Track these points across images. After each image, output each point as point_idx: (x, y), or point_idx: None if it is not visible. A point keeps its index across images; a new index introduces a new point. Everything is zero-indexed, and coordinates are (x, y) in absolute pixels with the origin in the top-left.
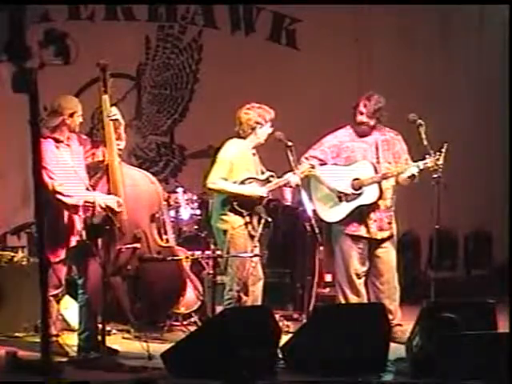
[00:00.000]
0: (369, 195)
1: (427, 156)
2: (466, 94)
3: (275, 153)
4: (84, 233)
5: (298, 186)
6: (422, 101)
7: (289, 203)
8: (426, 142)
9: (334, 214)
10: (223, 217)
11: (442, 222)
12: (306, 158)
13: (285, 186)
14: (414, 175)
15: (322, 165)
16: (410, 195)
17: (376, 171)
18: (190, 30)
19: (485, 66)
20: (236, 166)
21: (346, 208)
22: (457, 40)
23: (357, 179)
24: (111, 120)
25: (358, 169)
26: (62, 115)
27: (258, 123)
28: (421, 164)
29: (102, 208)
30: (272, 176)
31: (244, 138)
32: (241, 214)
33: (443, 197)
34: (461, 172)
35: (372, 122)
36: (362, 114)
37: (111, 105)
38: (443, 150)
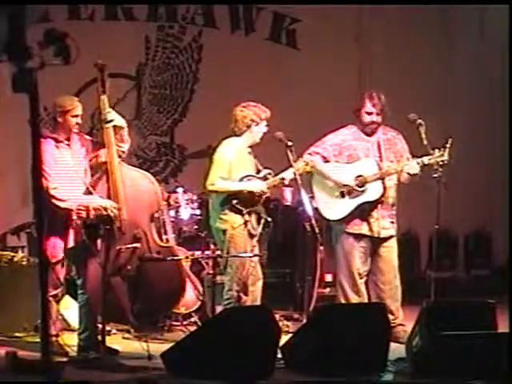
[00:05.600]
0: (372, 192)
1: (431, 152)
2: (466, 93)
3: (274, 152)
4: (83, 232)
5: (295, 180)
6: (422, 101)
7: (289, 203)
8: (425, 142)
9: (336, 211)
10: (222, 216)
11: (442, 222)
12: (310, 154)
13: (281, 183)
14: (417, 172)
15: (324, 162)
16: (410, 195)
17: (380, 169)
18: (189, 30)
19: (485, 66)
20: (234, 166)
21: (348, 205)
22: (457, 40)
23: (360, 176)
24: (108, 125)
25: (362, 166)
26: (55, 113)
27: (253, 121)
28: (425, 159)
29: (96, 211)
30: (269, 174)
31: (239, 135)
32: (240, 213)
33: (443, 197)
34: (461, 172)
35: (380, 120)
36: (370, 113)
37: (111, 107)
38: (448, 146)
